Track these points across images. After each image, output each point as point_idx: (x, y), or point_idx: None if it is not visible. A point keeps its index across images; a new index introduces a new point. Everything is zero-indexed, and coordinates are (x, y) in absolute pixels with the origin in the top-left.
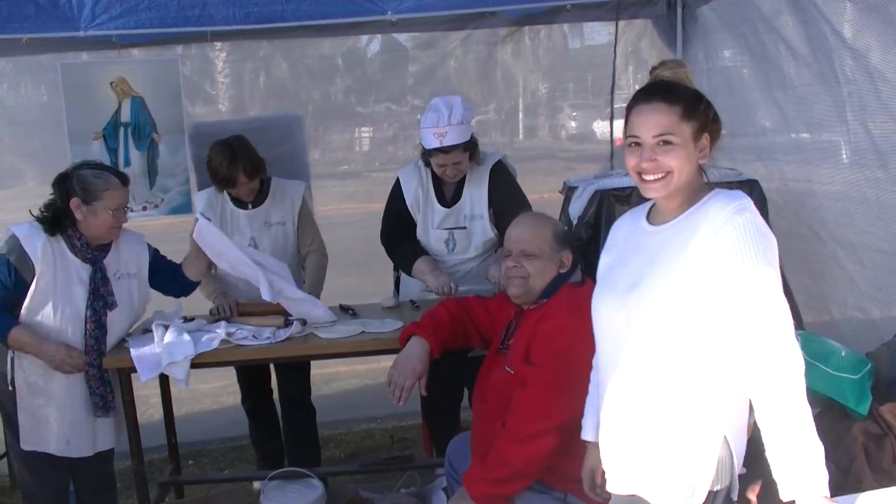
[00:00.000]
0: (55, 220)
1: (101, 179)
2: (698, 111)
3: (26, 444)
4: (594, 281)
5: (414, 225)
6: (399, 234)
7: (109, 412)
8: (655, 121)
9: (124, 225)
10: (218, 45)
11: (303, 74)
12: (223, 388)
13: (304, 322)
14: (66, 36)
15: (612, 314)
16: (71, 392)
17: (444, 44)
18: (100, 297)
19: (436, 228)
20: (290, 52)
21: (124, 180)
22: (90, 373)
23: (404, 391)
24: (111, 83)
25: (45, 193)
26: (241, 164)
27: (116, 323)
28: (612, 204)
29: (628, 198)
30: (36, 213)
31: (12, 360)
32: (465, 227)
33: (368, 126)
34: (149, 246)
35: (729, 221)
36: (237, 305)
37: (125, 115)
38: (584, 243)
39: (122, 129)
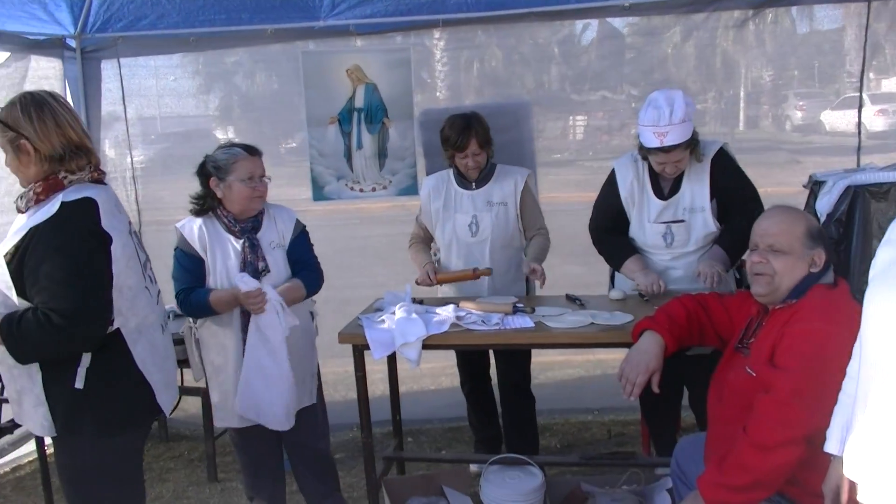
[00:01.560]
0: (203, 204)
1: (229, 154)
2: None
3: (218, 422)
4: (846, 282)
5: (625, 219)
6: (609, 229)
7: None
8: None
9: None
10: (437, 33)
11: (517, 62)
12: (441, 369)
13: (532, 310)
14: (306, 26)
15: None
16: (240, 362)
17: (662, 30)
18: (249, 264)
19: (652, 222)
20: (505, 41)
21: (251, 151)
22: None
23: (636, 387)
24: (347, 70)
25: (276, 174)
26: (474, 131)
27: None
28: (867, 200)
29: (886, 194)
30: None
31: (197, 342)
32: (683, 221)
33: (583, 115)
34: (298, 225)
35: None
36: (435, 274)
37: (359, 101)
38: (833, 242)
39: (355, 114)
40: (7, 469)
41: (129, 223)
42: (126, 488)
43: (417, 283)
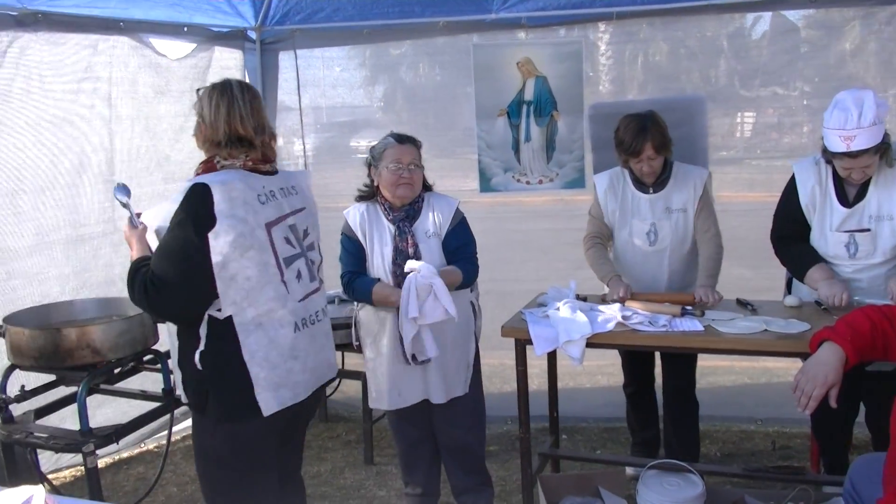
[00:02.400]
0: (368, 190)
1: (382, 142)
2: None
3: (372, 403)
4: None
5: (807, 226)
6: (790, 236)
7: (419, 360)
8: None
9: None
10: (602, 26)
11: (683, 56)
12: (599, 368)
13: (701, 313)
14: (477, 19)
15: None
16: (392, 345)
17: (841, 24)
18: (400, 252)
19: (834, 231)
20: (671, 34)
21: (401, 139)
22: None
23: (812, 400)
24: (517, 63)
25: (438, 166)
26: (649, 135)
27: None
28: None
29: None
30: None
31: (356, 323)
32: (868, 230)
33: (752, 111)
34: (457, 215)
35: None
36: (631, 293)
37: (528, 94)
38: None
39: (524, 107)
40: (177, 437)
41: (279, 217)
42: (245, 478)
43: (604, 299)
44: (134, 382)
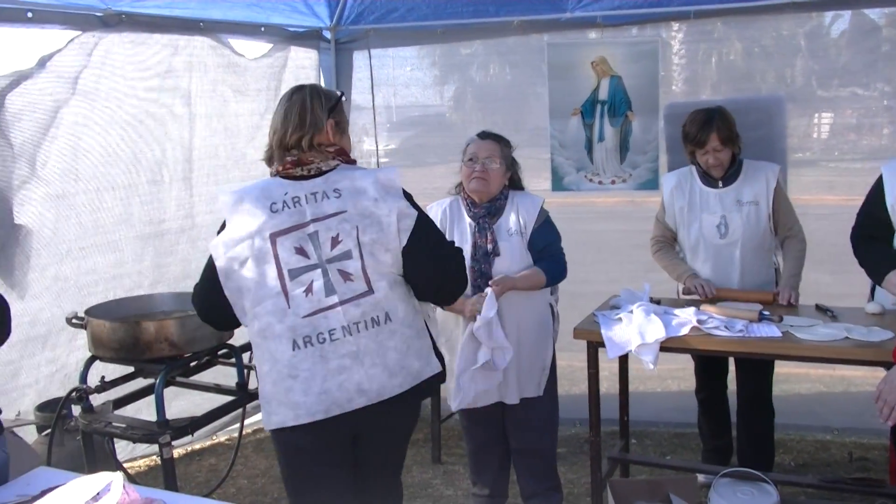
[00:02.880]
0: (457, 186)
1: (469, 138)
2: None
3: (449, 402)
4: None
5: (891, 229)
6: (872, 237)
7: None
8: None
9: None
10: (675, 25)
11: (757, 56)
12: (670, 372)
13: (779, 318)
14: (552, 18)
15: None
16: (468, 346)
17: None
18: (479, 247)
19: None
20: (745, 32)
21: (482, 135)
22: None
23: (895, 411)
24: (592, 63)
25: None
26: (715, 126)
27: (503, 273)
28: None
29: None
30: None
31: (432, 321)
32: None
33: (829, 112)
34: (541, 214)
35: None
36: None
37: (603, 94)
38: None
39: (598, 107)
40: (248, 430)
41: (293, 226)
42: (288, 485)
43: (684, 293)
44: (207, 376)
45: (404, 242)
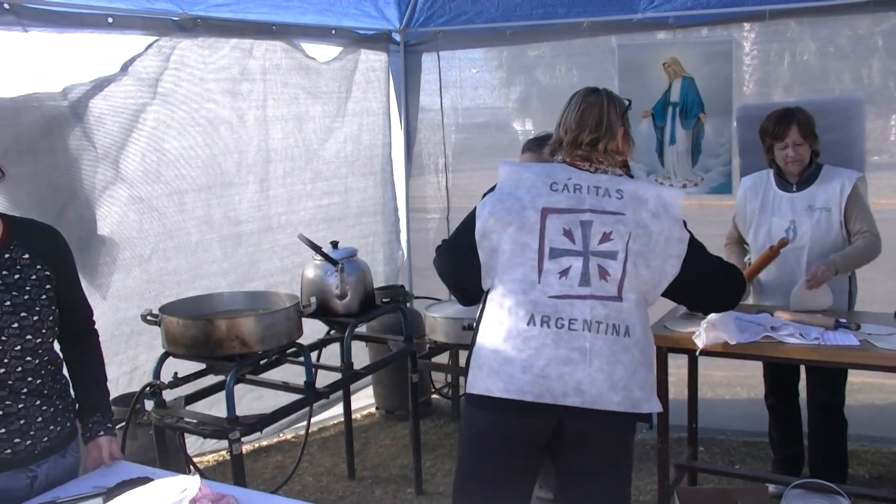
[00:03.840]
0: None
1: None
2: None
3: None
4: None
5: None
6: None
7: None
8: None
9: None
10: (747, 26)
11: (832, 56)
12: (738, 379)
13: (857, 326)
14: (623, 19)
15: None
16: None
17: None
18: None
19: None
20: (820, 32)
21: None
22: None
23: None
24: (664, 64)
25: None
26: (794, 119)
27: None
28: None
29: None
30: None
31: None
32: None
33: None
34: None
35: None
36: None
37: (674, 95)
38: None
39: (670, 109)
40: (314, 429)
41: (568, 208)
42: (463, 461)
43: None
44: (275, 374)
45: (677, 270)
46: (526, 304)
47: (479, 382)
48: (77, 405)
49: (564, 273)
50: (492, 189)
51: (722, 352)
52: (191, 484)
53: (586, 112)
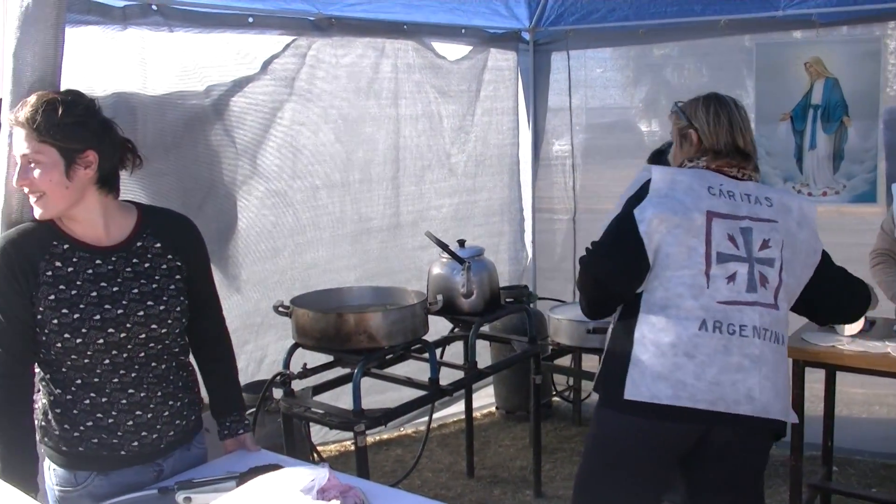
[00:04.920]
0: None
1: None
2: None
3: None
4: None
5: None
6: None
7: None
8: None
9: None
10: (892, 24)
11: None
12: (877, 397)
13: None
14: (764, 16)
15: None
16: None
17: None
18: None
19: None
20: None
21: None
22: None
23: None
24: (805, 64)
25: None
26: None
27: None
28: None
29: None
30: None
31: None
32: None
33: None
34: None
35: None
36: None
37: (816, 97)
38: None
39: (810, 111)
40: (434, 425)
41: (729, 214)
42: (605, 472)
43: None
44: (399, 369)
45: (809, 276)
46: (696, 309)
47: (643, 388)
48: (211, 404)
49: (731, 279)
50: (641, 191)
51: (864, 368)
52: (320, 474)
53: (723, 117)
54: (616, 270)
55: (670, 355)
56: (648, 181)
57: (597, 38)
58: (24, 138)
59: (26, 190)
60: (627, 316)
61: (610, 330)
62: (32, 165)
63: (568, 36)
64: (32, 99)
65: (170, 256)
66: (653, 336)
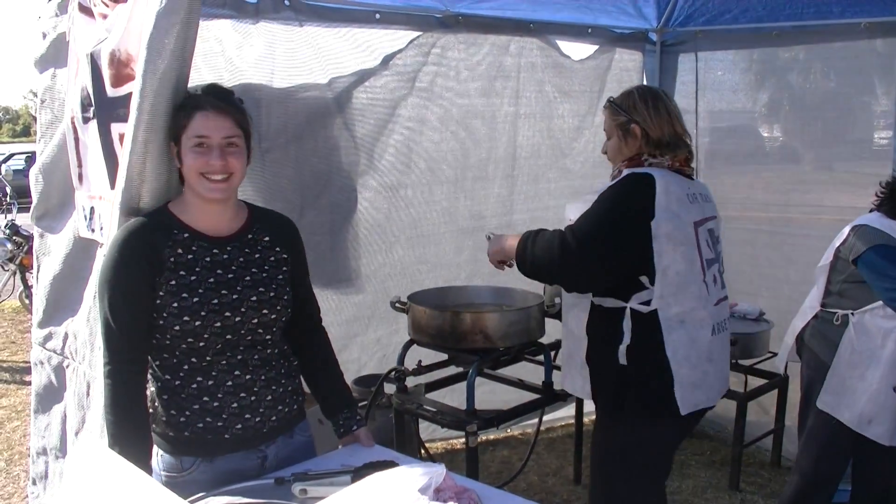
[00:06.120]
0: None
1: None
2: None
3: (854, 424)
4: None
5: None
6: None
7: None
8: None
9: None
10: None
11: None
12: None
13: None
14: None
15: None
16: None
17: None
18: None
19: None
20: None
21: None
22: None
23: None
24: None
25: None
26: None
27: None
28: None
29: None
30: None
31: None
32: None
33: None
34: None
35: None
36: None
37: None
38: None
39: None
40: (542, 428)
41: (702, 218)
42: (644, 478)
43: None
44: (509, 371)
45: None
46: (707, 317)
47: (688, 401)
48: (322, 404)
49: (714, 280)
50: (642, 196)
51: None
52: (436, 474)
53: (661, 108)
54: (602, 277)
55: (699, 366)
56: (648, 182)
57: (727, 40)
58: (226, 123)
59: (213, 171)
60: (642, 333)
61: (623, 349)
62: (231, 149)
63: (697, 37)
64: (219, 87)
65: (277, 249)
66: (684, 351)
